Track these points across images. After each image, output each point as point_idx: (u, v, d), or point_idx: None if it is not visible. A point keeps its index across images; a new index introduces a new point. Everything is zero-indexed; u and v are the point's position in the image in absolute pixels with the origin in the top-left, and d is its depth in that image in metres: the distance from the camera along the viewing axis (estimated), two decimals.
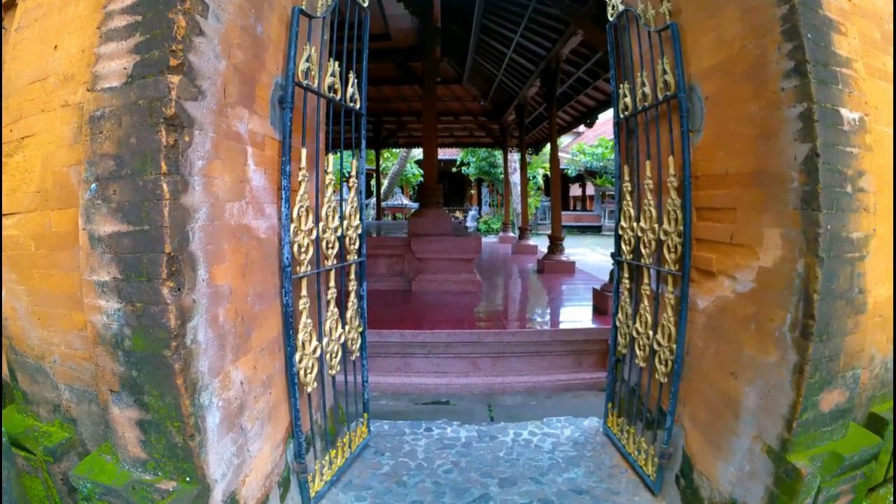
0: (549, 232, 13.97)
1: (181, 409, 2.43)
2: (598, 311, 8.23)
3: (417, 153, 29.57)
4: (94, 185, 2.45)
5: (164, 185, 2.30)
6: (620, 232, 4.17)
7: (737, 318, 2.99)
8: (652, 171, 3.70)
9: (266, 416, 3.12)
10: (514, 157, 23.56)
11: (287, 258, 3.15)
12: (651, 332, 3.74)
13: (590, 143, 32.92)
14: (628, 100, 4.01)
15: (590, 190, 38.17)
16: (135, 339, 2.41)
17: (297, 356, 3.29)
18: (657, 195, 3.65)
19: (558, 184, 13.07)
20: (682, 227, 3.37)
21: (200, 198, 2.48)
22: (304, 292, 3.33)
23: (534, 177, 30.81)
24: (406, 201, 30.88)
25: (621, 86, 4.10)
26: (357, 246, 4.00)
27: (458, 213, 34.76)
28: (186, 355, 2.40)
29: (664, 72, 3.46)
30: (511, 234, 21.27)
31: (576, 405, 6.57)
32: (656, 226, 3.63)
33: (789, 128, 2.60)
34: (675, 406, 3.52)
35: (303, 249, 3.28)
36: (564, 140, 33.75)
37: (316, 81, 3.38)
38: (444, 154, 30.48)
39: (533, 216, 31.93)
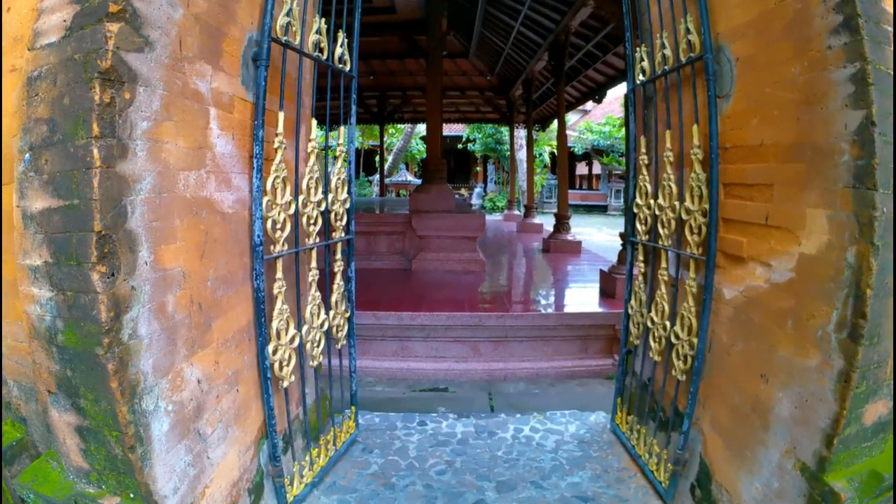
0: (554, 210, 13.59)
1: (118, 417, 2.06)
2: (606, 293, 7.86)
3: (422, 129, 29.12)
4: (27, 156, 2.08)
5: (95, 151, 1.92)
6: (635, 210, 3.77)
7: (770, 312, 2.60)
8: (672, 142, 3.29)
9: (232, 416, 2.76)
10: (521, 133, 23.14)
11: (258, 236, 2.76)
12: (668, 324, 3.36)
13: (597, 121, 32.50)
14: (646, 64, 3.59)
15: (596, 169, 37.68)
16: (67, 333, 2.05)
17: (271, 347, 2.91)
18: (678, 169, 3.24)
19: (566, 161, 12.64)
20: (707, 206, 2.97)
21: (144, 165, 2.09)
22: (279, 274, 2.94)
23: (540, 154, 30.32)
24: (410, 178, 30.59)
25: (638, 49, 3.67)
26: (344, 222, 3.62)
27: (463, 191, 34.40)
28: (122, 353, 2.03)
29: (688, 31, 3.04)
30: (516, 212, 20.89)
31: (581, 395, 6.26)
32: (677, 203, 3.22)
33: (838, 92, 2.19)
34: (693, 408, 3.15)
35: (278, 226, 2.90)
36: (571, 118, 33.33)
37: (298, 38, 2.98)
38: (449, 130, 30.22)
39: (539, 194, 31.42)
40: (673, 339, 3.28)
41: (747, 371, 2.76)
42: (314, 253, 3.28)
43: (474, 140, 32.49)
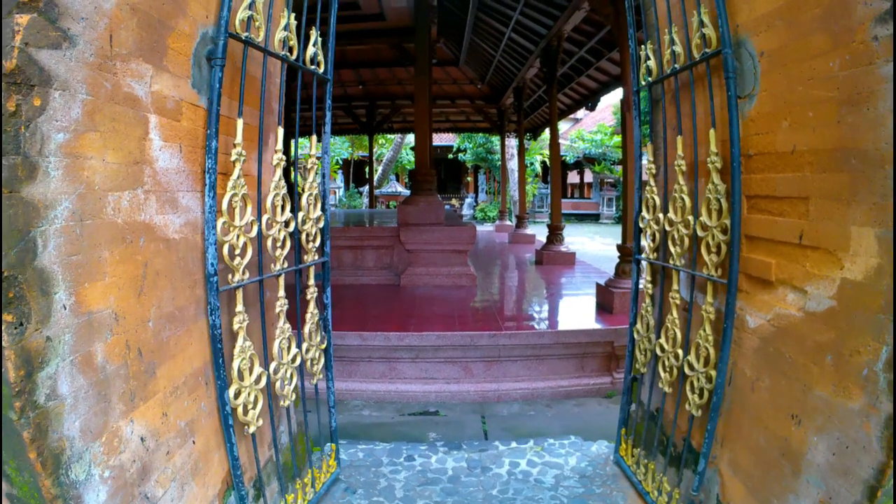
0: (546, 220, 13.30)
1: (42, 492, 1.69)
2: (603, 308, 7.55)
3: (413, 139, 28.91)
4: None
5: None
6: (641, 224, 3.42)
7: (805, 345, 2.25)
8: (685, 149, 2.96)
9: (188, 472, 2.38)
10: (512, 142, 22.89)
11: (213, 265, 2.38)
12: (680, 352, 3.01)
13: (588, 129, 32.60)
14: (652, 63, 3.25)
15: (588, 177, 37.66)
16: None
17: (232, 390, 2.54)
18: (692, 179, 2.90)
19: (558, 170, 12.33)
20: (727, 221, 2.61)
21: (60, 187, 1.72)
22: (239, 307, 2.56)
23: (531, 163, 30.27)
24: (400, 189, 30.44)
25: (643, 47, 3.33)
26: (318, 243, 3.25)
27: (454, 201, 34.25)
28: (40, 418, 1.65)
29: (702, 24, 2.70)
30: (508, 223, 20.59)
31: (579, 416, 5.97)
32: (690, 218, 2.87)
33: (889, 90, 1.86)
34: (710, 446, 2.80)
35: (237, 252, 2.52)
36: (562, 126, 33.24)
37: (261, 34, 2.61)
38: (440, 140, 30.07)
39: (530, 203, 31.33)
40: (686, 370, 2.93)
41: (775, 410, 2.41)
42: (282, 280, 2.91)
43: (465, 150, 32.44)
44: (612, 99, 28.18)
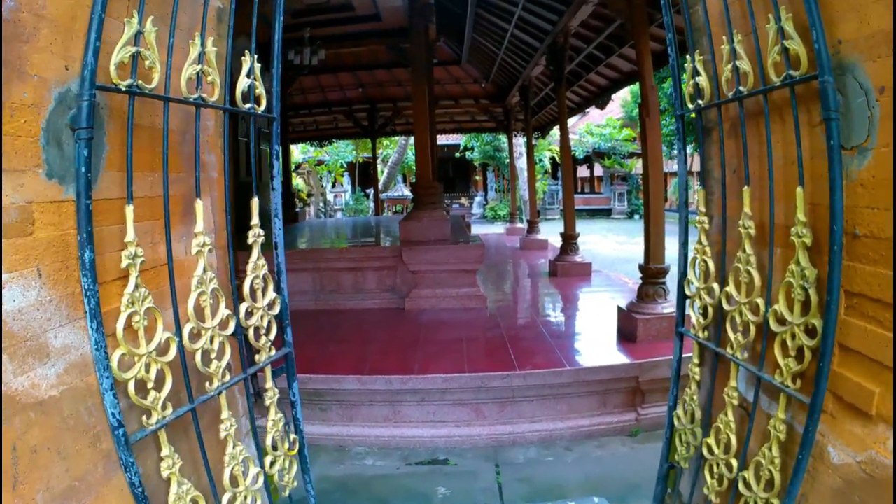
0: (557, 216, 12.69)
1: None
2: (624, 335, 6.89)
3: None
4: None
5: None
6: (686, 290, 2.74)
7: None
8: (754, 205, 2.22)
9: None
10: (520, 141, 22.24)
11: (114, 415, 1.73)
12: (734, 463, 2.33)
13: (597, 122, 31.85)
14: (703, 80, 2.45)
15: (598, 170, 37.02)
16: None
17: None
18: (765, 247, 2.18)
19: (570, 172, 11.63)
20: (817, 322, 1.88)
21: None
22: (165, 451, 1.91)
23: (540, 160, 29.67)
24: (407, 192, 29.92)
25: (688, 57, 2.54)
26: (274, 335, 2.52)
27: (463, 200, 33.79)
28: None
29: (782, 34, 1.92)
30: (519, 225, 19.92)
31: (602, 462, 5.39)
32: (759, 301, 2.15)
33: None
34: None
35: (151, 384, 1.83)
36: (570, 121, 32.79)
37: (156, 77, 1.88)
38: (446, 139, 29.70)
39: (541, 201, 30.68)
40: (741, 488, 2.25)
41: None
42: (224, 399, 2.21)
43: (472, 148, 32.03)
44: (621, 93, 27.50)
